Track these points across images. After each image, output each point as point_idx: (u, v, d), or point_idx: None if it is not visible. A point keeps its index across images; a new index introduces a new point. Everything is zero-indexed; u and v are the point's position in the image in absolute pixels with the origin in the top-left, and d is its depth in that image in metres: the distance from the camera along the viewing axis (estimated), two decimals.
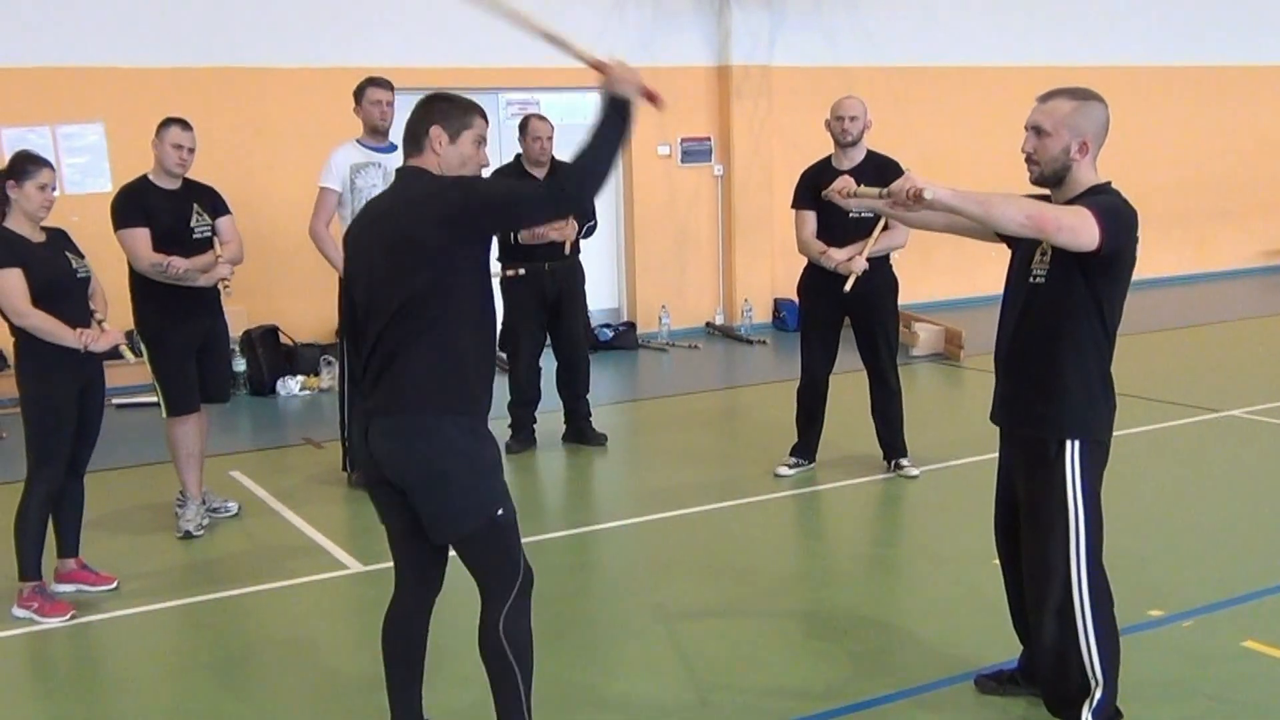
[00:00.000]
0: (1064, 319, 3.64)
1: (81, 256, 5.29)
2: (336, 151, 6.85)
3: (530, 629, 3.55)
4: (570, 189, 3.35)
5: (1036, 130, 3.64)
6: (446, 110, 3.49)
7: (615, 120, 3.31)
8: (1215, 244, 15.28)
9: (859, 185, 4.32)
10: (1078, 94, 3.65)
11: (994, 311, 4.00)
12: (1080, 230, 3.42)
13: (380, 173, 6.81)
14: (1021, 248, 3.80)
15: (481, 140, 3.53)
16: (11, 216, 5.08)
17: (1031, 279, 3.71)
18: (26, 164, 5.07)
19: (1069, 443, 3.67)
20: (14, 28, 9.24)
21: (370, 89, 6.85)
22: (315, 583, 5.58)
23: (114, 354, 5.25)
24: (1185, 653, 4.48)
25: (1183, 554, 5.59)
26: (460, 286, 3.38)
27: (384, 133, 6.89)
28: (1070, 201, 3.58)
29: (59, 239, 5.26)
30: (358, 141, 6.89)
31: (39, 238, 5.14)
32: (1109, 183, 3.65)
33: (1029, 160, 3.69)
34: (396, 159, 6.93)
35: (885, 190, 3.61)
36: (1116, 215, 3.50)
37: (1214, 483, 6.74)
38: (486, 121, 3.58)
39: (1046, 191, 3.73)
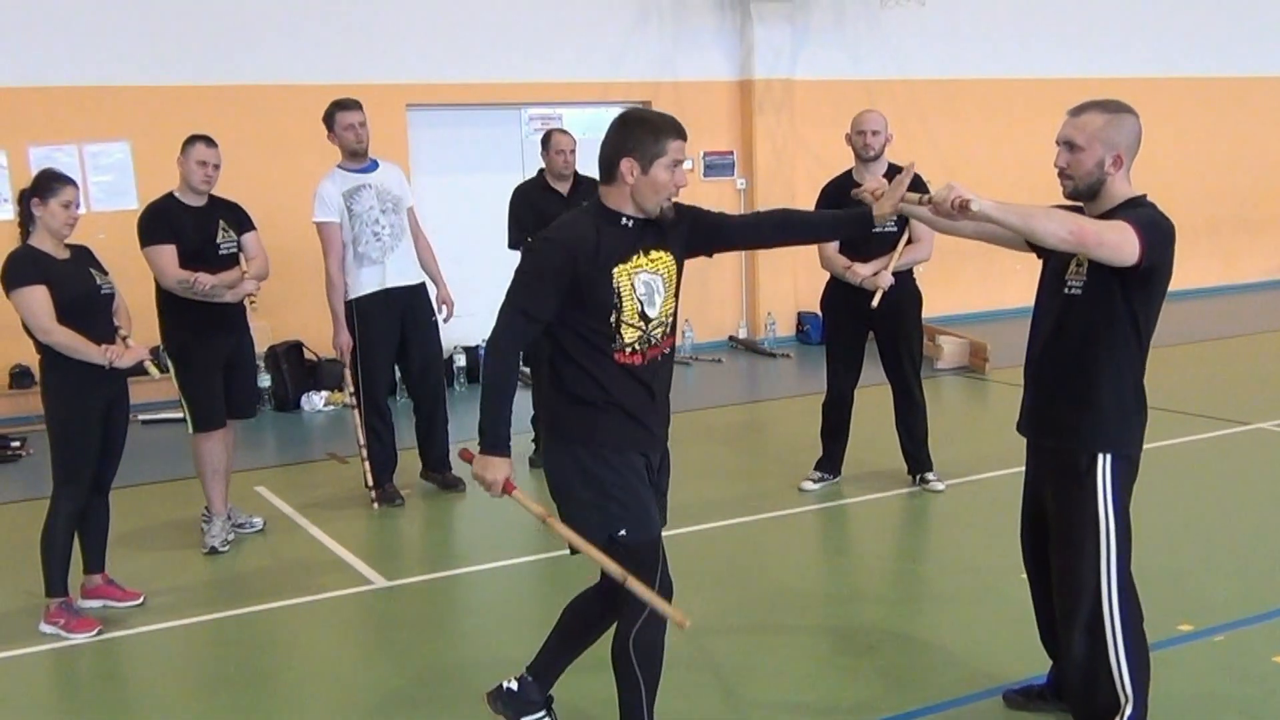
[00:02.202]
0: (1100, 331, 3.60)
1: (105, 273, 5.31)
2: (323, 184, 6.79)
3: (662, 642, 3.61)
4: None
5: (1069, 145, 3.60)
6: (641, 138, 3.43)
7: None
8: (1241, 256, 15.19)
9: None
10: (1110, 107, 3.61)
11: (1019, 324, 3.98)
12: (1123, 245, 3.40)
13: (373, 193, 6.78)
14: (1054, 258, 3.76)
15: (676, 164, 3.46)
16: (36, 234, 5.11)
17: (1066, 290, 3.67)
18: (51, 182, 5.11)
19: (1100, 456, 3.64)
20: (42, 48, 9.34)
21: (340, 114, 6.78)
22: (340, 598, 5.58)
23: (139, 370, 5.27)
24: (1216, 668, 4.43)
25: (1213, 568, 5.54)
26: (562, 336, 3.51)
27: (363, 154, 6.85)
28: (1105, 215, 3.55)
29: (83, 256, 5.28)
30: (339, 168, 6.84)
31: (63, 255, 5.17)
32: (1144, 195, 3.62)
33: (1062, 175, 3.65)
34: (381, 175, 6.91)
35: (928, 196, 3.59)
36: (1156, 229, 3.47)
37: (1244, 496, 6.67)
38: (684, 138, 3.49)
39: (1080, 204, 3.69)
